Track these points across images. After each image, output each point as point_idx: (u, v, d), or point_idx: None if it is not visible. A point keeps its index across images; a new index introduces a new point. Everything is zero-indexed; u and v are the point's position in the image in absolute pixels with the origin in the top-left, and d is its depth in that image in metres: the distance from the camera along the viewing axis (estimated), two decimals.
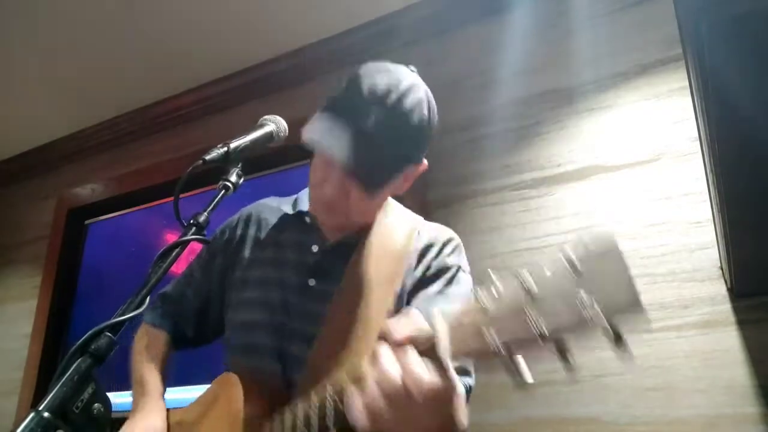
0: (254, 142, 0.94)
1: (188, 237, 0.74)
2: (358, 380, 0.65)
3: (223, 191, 0.84)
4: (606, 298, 0.48)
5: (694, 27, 0.74)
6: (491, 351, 0.55)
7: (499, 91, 2.00)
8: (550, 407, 1.63)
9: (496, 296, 0.55)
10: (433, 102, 1.01)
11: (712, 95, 0.84)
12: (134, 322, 0.64)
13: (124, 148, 2.99)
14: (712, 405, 1.44)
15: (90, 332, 0.58)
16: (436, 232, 1.06)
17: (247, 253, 1.10)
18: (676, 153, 1.68)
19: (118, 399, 2.66)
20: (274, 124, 1.00)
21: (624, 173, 1.74)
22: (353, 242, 1.02)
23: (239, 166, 0.88)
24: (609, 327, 0.48)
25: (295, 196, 1.16)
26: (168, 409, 1.08)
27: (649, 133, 1.74)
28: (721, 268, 1.49)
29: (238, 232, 1.14)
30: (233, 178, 0.86)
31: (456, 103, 2.07)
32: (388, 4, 2.23)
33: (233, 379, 0.94)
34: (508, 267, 1.81)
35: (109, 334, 0.58)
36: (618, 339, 0.49)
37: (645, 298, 1.69)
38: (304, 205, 1.10)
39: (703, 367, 1.48)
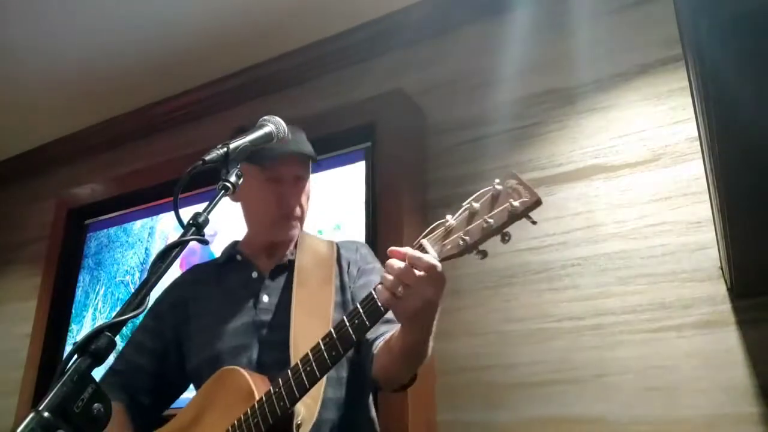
0: (253, 143, 0.94)
1: (188, 237, 0.73)
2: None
3: (222, 191, 0.85)
4: (522, 200, 0.82)
5: (694, 27, 0.74)
6: (466, 249, 0.86)
7: (500, 91, 2.00)
8: (551, 407, 1.63)
9: (456, 218, 0.90)
10: None
11: (712, 95, 0.84)
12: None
13: (124, 148, 2.99)
14: (712, 405, 1.44)
15: (89, 332, 0.58)
16: (349, 243, 1.34)
17: (195, 307, 1.28)
18: (676, 153, 1.68)
19: None
20: (273, 124, 1.01)
21: (624, 173, 1.74)
22: (287, 263, 1.27)
23: (239, 166, 0.88)
24: (528, 215, 0.82)
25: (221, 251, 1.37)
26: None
27: (649, 133, 1.74)
28: (721, 268, 1.49)
29: (181, 294, 1.32)
30: (233, 178, 0.86)
31: (456, 103, 2.07)
32: (388, 4, 2.23)
33: (229, 370, 1.12)
34: (509, 267, 1.82)
35: (109, 333, 0.58)
36: (531, 219, 0.83)
37: (645, 298, 1.69)
38: (233, 250, 1.33)
39: (703, 367, 1.48)
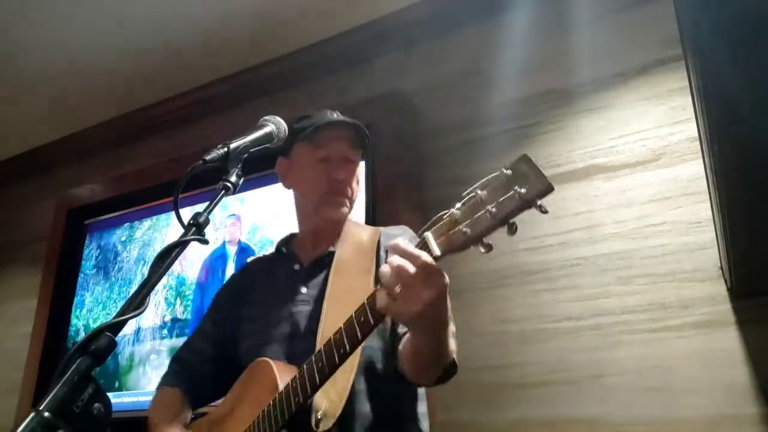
0: (254, 143, 0.94)
1: (188, 237, 0.73)
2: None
3: (223, 191, 0.85)
4: (530, 187, 0.76)
5: (693, 27, 0.74)
6: (469, 241, 0.81)
7: (499, 91, 2.00)
8: (549, 408, 1.63)
9: (459, 208, 0.85)
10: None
11: (712, 95, 0.84)
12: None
13: (124, 148, 2.99)
14: (712, 405, 1.44)
15: (90, 332, 0.58)
16: (396, 230, 1.28)
17: (247, 296, 1.33)
18: (676, 153, 1.68)
19: (119, 399, 2.65)
20: (274, 124, 1.01)
21: (624, 173, 1.74)
22: (328, 255, 1.26)
23: (239, 166, 0.88)
24: (537, 204, 0.75)
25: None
26: (193, 419, 1.24)
27: (649, 133, 1.74)
28: (721, 268, 1.49)
29: (240, 283, 1.38)
30: (233, 178, 0.86)
31: (455, 103, 2.07)
32: (388, 4, 2.23)
33: (259, 361, 1.14)
34: (508, 267, 1.82)
35: (109, 333, 0.58)
36: (541, 208, 0.76)
37: (645, 298, 1.68)
38: (282, 242, 1.37)
39: (703, 367, 1.48)
